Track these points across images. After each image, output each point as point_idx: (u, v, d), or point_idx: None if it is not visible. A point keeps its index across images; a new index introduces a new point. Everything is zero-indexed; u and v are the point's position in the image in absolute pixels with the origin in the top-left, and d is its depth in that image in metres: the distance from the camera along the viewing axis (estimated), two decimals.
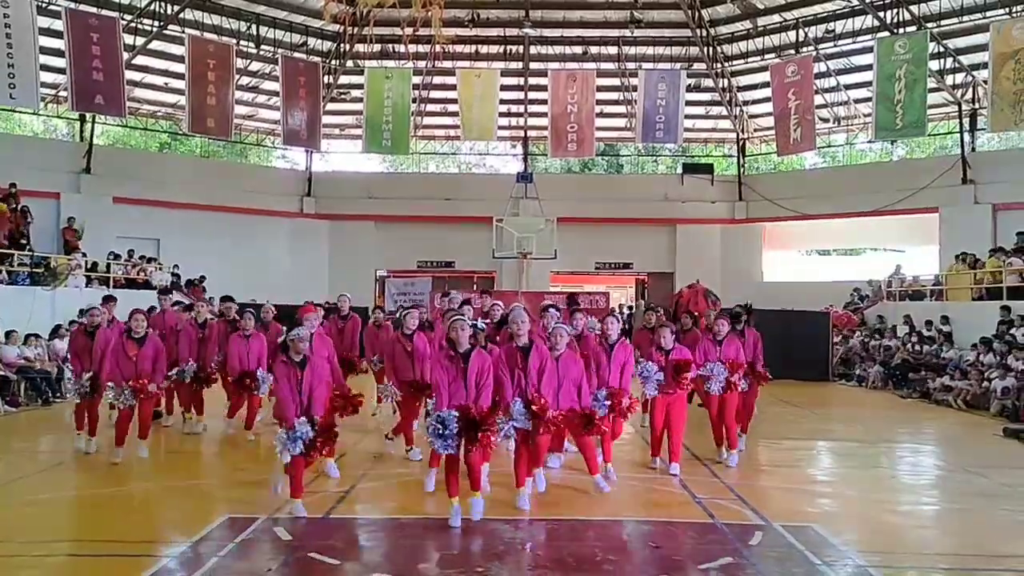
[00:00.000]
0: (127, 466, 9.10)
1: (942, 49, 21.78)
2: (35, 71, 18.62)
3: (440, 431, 6.40)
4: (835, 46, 23.66)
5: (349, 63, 26.32)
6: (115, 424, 8.95)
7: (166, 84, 24.77)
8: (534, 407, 6.84)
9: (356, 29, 25.33)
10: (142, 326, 8.68)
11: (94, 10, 20.61)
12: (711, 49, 25.72)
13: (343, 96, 27.21)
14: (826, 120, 25.37)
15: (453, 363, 6.62)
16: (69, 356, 10.38)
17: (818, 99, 23.61)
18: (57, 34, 19.82)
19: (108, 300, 10.83)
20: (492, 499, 7.25)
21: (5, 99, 19.01)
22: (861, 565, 5.81)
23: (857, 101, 24.51)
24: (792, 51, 24.04)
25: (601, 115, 25.77)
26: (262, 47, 24.38)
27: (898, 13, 21.77)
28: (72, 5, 20.25)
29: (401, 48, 24.81)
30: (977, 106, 22.63)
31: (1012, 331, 15.71)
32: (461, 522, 6.52)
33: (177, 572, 5.52)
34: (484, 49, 26.25)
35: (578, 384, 7.31)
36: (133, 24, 21.85)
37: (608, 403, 7.75)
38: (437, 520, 6.66)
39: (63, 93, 20.41)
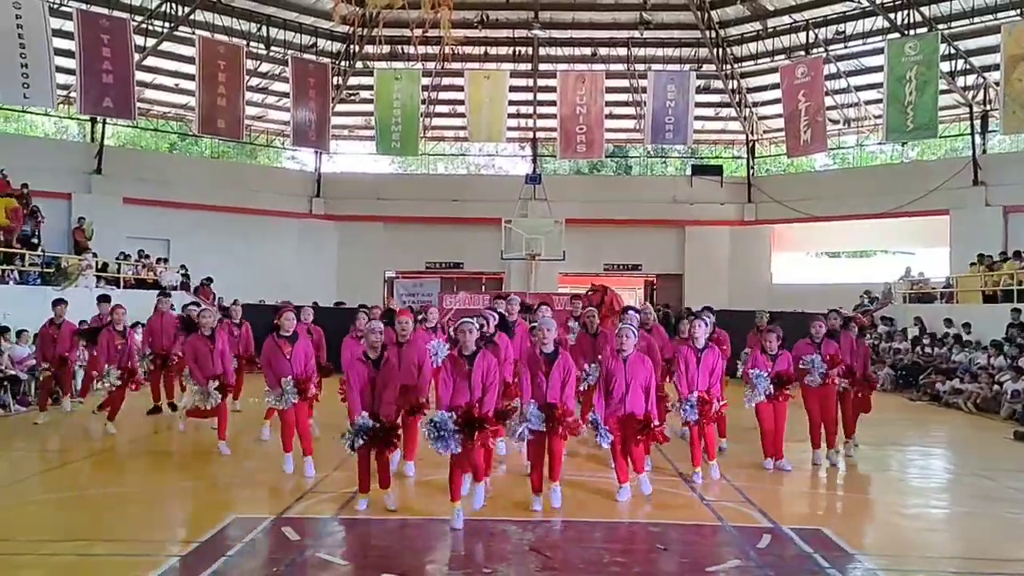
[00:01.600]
0: (133, 466, 9.17)
1: (953, 51, 21.67)
2: (50, 71, 18.69)
3: (436, 435, 6.41)
4: (845, 47, 23.56)
5: (358, 64, 26.35)
6: (283, 431, 8.46)
7: (176, 85, 24.87)
8: (556, 411, 6.95)
9: (365, 30, 25.38)
10: (292, 325, 8.48)
11: (105, 11, 20.71)
12: (720, 50, 25.65)
13: (352, 97, 27.25)
14: (836, 122, 25.28)
15: (458, 365, 6.65)
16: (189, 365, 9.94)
17: (828, 101, 23.52)
18: (69, 35, 19.90)
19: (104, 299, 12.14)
20: (500, 500, 7.26)
21: (19, 99, 19.12)
22: (870, 568, 5.79)
23: (867, 103, 24.42)
24: (802, 52, 23.96)
25: (610, 116, 25.74)
26: (272, 48, 24.43)
27: (909, 15, 21.66)
28: (83, 6, 20.33)
29: (410, 49, 24.84)
30: (988, 108, 22.50)
31: None
32: (468, 524, 6.53)
33: (184, 572, 5.53)
34: (493, 50, 26.25)
35: (646, 387, 7.43)
36: (144, 25, 21.93)
37: (696, 408, 8.00)
38: (445, 521, 6.65)
39: (73, 95, 20.50)
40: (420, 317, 9.72)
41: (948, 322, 18.41)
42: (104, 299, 12.78)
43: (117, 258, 20.76)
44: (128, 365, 10.97)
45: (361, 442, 6.76)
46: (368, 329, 7.15)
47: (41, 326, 12.31)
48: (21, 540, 6.10)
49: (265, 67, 25.14)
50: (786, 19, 24.33)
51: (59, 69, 19.60)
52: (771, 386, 8.64)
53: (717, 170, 27.77)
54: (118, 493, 7.86)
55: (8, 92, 18.63)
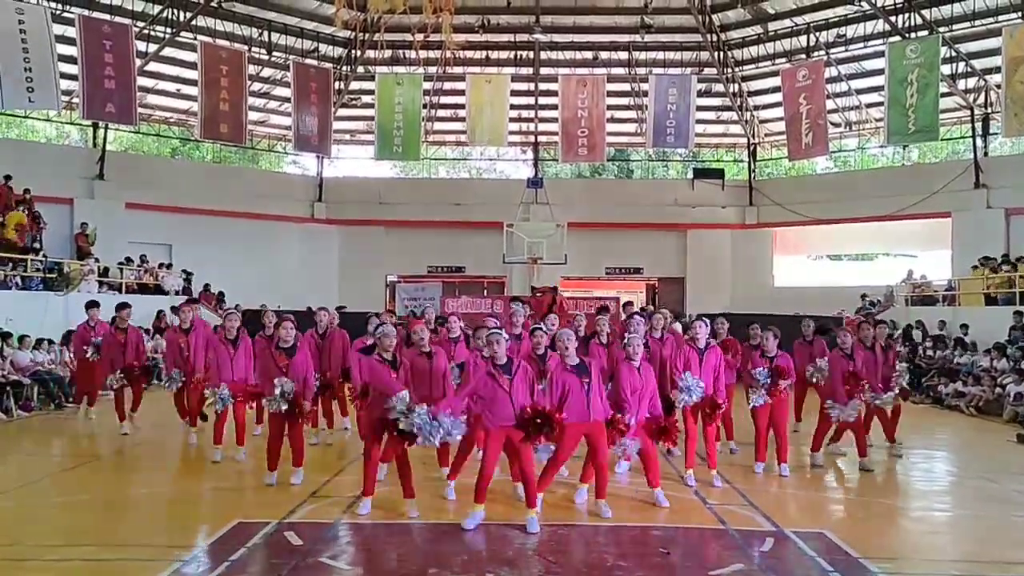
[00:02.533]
0: (138, 471, 9.18)
1: (954, 54, 21.68)
2: (54, 73, 18.71)
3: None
4: (846, 51, 23.57)
5: (360, 69, 26.39)
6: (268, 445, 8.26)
7: (178, 91, 24.92)
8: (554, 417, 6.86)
9: (367, 35, 25.43)
10: (291, 335, 8.26)
11: (107, 17, 20.75)
12: (722, 54, 25.68)
13: (354, 102, 27.29)
14: (837, 125, 25.29)
15: (498, 379, 6.67)
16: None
17: (829, 104, 23.53)
18: (71, 41, 19.95)
19: (123, 306, 11.56)
20: (502, 505, 7.25)
21: (23, 102, 19.16)
22: (873, 572, 5.78)
23: (869, 106, 24.42)
24: (803, 56, 23.98)
25: (612, 120, 25.76)
26: (273, 54, 24.47)
27: (910, 17, 21.67)
28: (86, 12, 20.37)
29: (412, 54, 24.87)
30: (989, 110, 22.52)
31: None
32: (472, 528, 6.57)
33: None
34: (494, 55, 26.28)
35: (652, 392, 7.50)
36: (146, 31, 21.96)
37: (694, 391, 8.03)
38: (448, 525, 6.69)
39: (76, 100, 20.54)
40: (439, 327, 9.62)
41: (942, 324, 18.47)
42: (93, 305, 12.50)
43: (120, 263, 20.79)
44: (189, 364, 10.66)
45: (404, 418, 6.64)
46: (382, 333, 7.11)
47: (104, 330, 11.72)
48: (28, 544, 6.11)
49: (267, 72, 25.18)
50: (787, 22, 24.35)
51: (62, 75, 19.67)
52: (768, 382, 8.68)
53: (718, 173, 27.82)
54: (124, 497, 7.87)
55: (12, 96, 18.68)
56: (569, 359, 6.99)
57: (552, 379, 6.93)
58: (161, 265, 22.18)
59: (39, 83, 18.50)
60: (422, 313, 10.25)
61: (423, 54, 24.44)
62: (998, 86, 20.33)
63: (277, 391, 7.95)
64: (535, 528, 6.55)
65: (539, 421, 6.52)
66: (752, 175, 27.78)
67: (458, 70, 25.39)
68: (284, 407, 7.98)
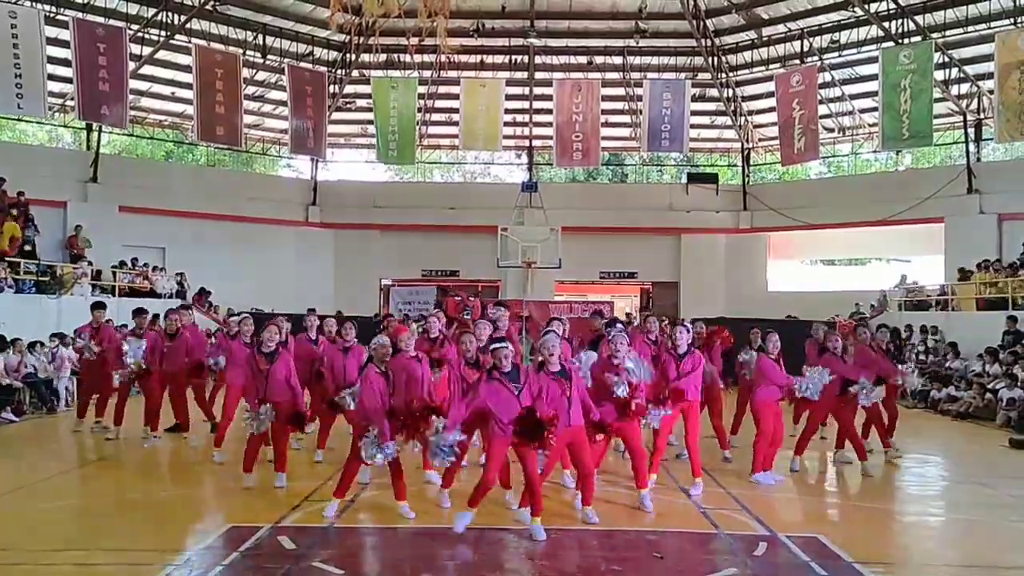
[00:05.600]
0: (130, 475, 9.14)
1: (947, 59, 21.78)
2: (42, 81, 18.73)
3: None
4: (840, 56, 23.65)
5: (355, 73, 26.39)
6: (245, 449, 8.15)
7: (172, 94, 24.87)
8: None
9: (362, 39, 25.43)
10: (274, 339, 8.01)
11: (101, 20, 20.71)
12: (716, 59, 25.74)
13: (348, 105, 27.27)
14: (831, 130, 25.37)
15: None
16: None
17: (823, 109, 23.59)
18: (64, 44, 19.91)
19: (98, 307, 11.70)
20: (496, 509, 7.23)
21: (12, 108, 19.16)
22: None
23: (862, 111, 24.51)
24: (797, 61, 24.05)
25: (606, 124, 25.79)
26: (268, 57, 24.44)
27: (903, 24, 21.76)
28: (80, 15, 20.33)
29: (407, 58, 24.86)
30: (982, 116, 22.62)
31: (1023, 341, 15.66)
32: (465, 531, 6.53)
33: None
34: (489, 59, 26.30)
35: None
36: (140, 34, 21.92)
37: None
38: (442, 529, 6.66)
39: (70, 103, 20.49)
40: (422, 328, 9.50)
41: (935, 329, 18.55)
42: (99, 306, 12.34)
43: (113, 266, 20.72)
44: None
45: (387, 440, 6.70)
46: (378, 343, 7.10)
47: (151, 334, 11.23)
48: (19, 549, 6.08)
49: (261, 75, 25.14)
50: (781, 28, 24.43)
51: (53, 77, 19.64)
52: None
53: (713, 178, 27.89)
54: (116, 502, 7.83)
55: (2, 101, 18.62)
56: (552, 365, 6.74)
57: (529, 383, 6.63)
58: (155, 268, 22.09)
59: (28, 89, 18.47)
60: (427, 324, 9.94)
61: (418, 58, 24.45)
62: (991, 92, 20.44)
63: (262, 415, 7.81)
64: (541, 535, 6.42)
65: (532, 426, 6.31)
66: (746, 180, 27.85)
67: (453, 74, 25.40)
68: (264, 428, 7.90)
